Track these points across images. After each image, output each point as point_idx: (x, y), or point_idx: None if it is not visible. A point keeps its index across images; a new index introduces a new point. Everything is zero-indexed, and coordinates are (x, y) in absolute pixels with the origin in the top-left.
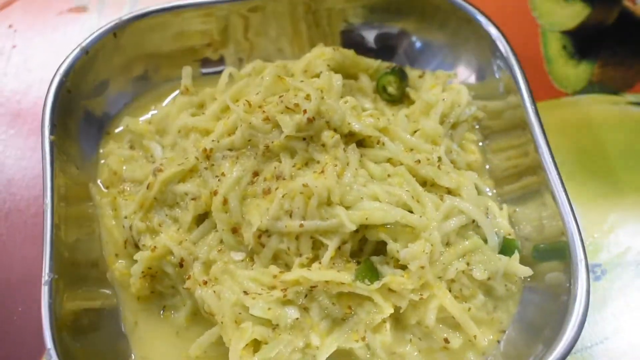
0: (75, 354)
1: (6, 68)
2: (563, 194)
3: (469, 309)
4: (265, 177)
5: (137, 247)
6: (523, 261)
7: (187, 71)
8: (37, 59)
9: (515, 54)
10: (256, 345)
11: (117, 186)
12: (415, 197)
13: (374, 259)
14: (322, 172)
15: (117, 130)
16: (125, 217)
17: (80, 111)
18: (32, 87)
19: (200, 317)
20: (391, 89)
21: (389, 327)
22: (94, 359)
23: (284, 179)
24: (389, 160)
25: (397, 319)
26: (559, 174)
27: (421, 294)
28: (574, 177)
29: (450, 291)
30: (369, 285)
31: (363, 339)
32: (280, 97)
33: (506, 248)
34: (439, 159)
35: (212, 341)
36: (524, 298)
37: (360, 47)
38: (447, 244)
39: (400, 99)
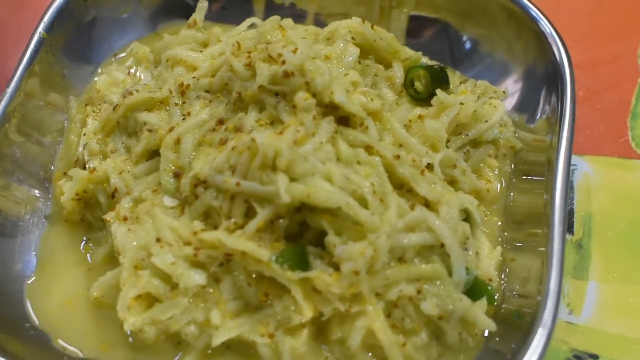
0: None
1: None
2: (557, 257)
3: (404, 344)
4: (227, 127)
5: (84, 169)
6: (497, 317)
7: (202, 4)
8: None
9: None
10: (152, 303)
11: (96, 105)
12: (378, 194)
13: (310, 249)
14: (281, 133)
15: (122, 55)
16: (84, 134)
17: (90, 24)
18: None
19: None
20: (418, 85)
21: (307, 335)
22: None
23: (242, 131)
24: (366, 148)
25: (320, 330)
26: (562, 239)
27: (350, 306)
28: (614, 250)
29: (389, 317)
30: (286, 271)
31: (271, 336)
32: (267, 44)
33: (475, 291)
34: (429, 165)
35: (113, 284)
36: (481, 358)
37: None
38: (400, 260)
39: (426, 99)
